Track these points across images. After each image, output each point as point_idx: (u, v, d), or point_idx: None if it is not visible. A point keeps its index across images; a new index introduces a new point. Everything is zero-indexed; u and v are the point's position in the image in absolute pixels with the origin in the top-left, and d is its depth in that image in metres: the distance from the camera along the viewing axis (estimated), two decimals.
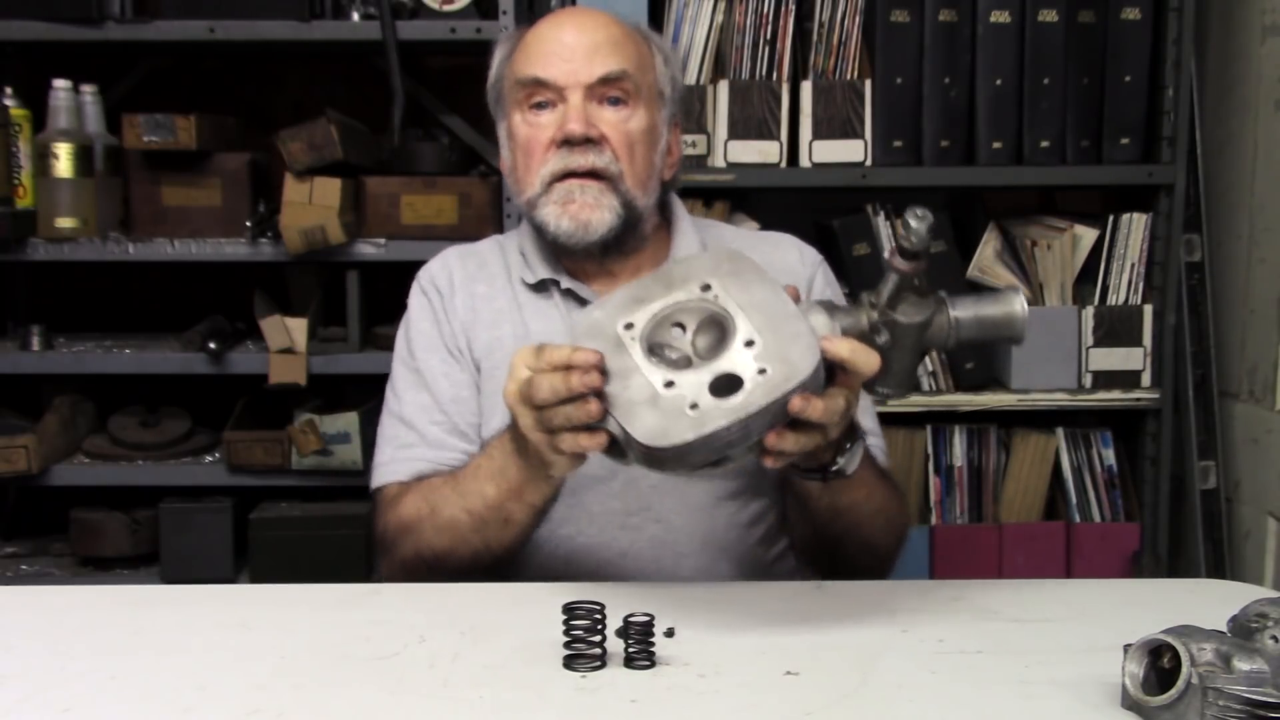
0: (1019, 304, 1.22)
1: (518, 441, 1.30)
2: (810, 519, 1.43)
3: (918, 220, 1.16)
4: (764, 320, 1.17)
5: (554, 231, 1.52)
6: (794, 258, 1.62)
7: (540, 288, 1.58)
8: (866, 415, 1.55)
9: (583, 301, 1.56)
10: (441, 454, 1.52)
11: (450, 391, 1.55)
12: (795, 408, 1.13)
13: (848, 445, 1.30)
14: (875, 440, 1.56)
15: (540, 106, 1.53)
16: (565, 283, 1.56)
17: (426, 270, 1.65)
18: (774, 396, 1.12)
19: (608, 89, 1.51)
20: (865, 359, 1.18)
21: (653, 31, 1.63)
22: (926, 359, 2.47)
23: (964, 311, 1.23)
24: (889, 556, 1.50)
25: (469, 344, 1.57)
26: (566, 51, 1.51)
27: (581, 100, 1.50)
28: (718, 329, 1.18)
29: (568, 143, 1.50)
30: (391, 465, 1.54)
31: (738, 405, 1.12)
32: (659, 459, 1.14)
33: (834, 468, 1.31)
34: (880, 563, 1.49)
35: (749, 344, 1.16)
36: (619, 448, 1.19)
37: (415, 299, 1.63)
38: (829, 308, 1.22)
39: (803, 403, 1.13)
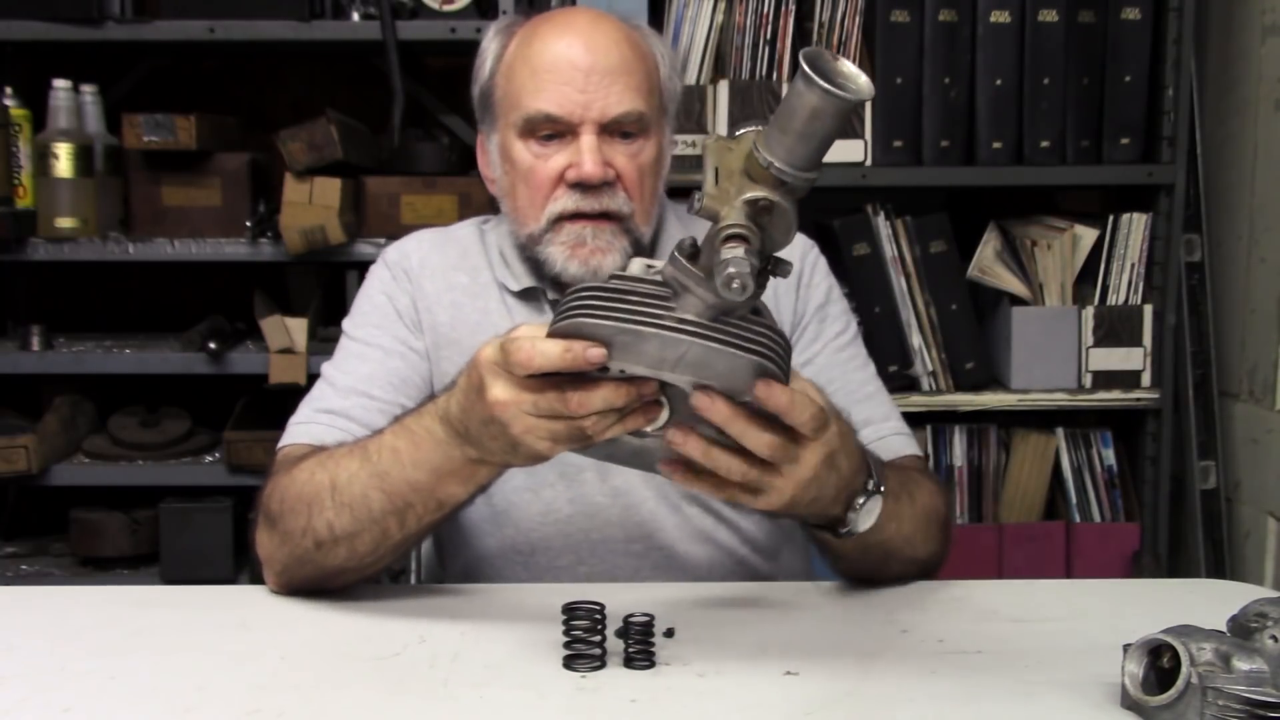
0: (800, 79, 0.95)
1: (464, 425, 1.13)
2: (839, 559, 1.32)
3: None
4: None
5: (558, 272, 1.43)
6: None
7: (527, 295, 1.51)
8: (877, 403, 1.49)
9: None
10: (365, 434, 1.34)
11: (391, 375, 1.45)
12: (761, 394, 1.02)
13: (859, 502, 1.20)
14: (890, 426, 1.47)
15: (547, 137, 1.43)
16: (552, 294, 1.49)
17: (397, 247, 1.56)
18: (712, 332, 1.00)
19: (621, 125, 1.43)
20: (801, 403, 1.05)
21: (650, 31, 1.55)
22: (918, 338, 2.47)
23: (773, 141, 0.98)
24: (936, 559, 1.38)
25: (434, 328, 1.49)
26: (580, 79, 1.40)
27: (595, 139, 1.41)
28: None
29: (580, 184, 1.41)
30: (308, 426, 1.41)
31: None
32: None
33: (844, 529, 1.21)
34: (928, 569, 1.38)
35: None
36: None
37: (379, 271, 1.54)
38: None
39: (766, 388, 1.02)
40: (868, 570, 1.33)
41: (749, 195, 0.98)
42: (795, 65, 0.97)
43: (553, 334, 1.03)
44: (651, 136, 1.46)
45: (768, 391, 1.02)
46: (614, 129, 1.43)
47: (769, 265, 1.04)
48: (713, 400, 1.03)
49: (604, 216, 1.42)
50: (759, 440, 1.05)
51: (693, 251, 1.01)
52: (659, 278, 1.03)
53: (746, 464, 1.07)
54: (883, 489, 1.22)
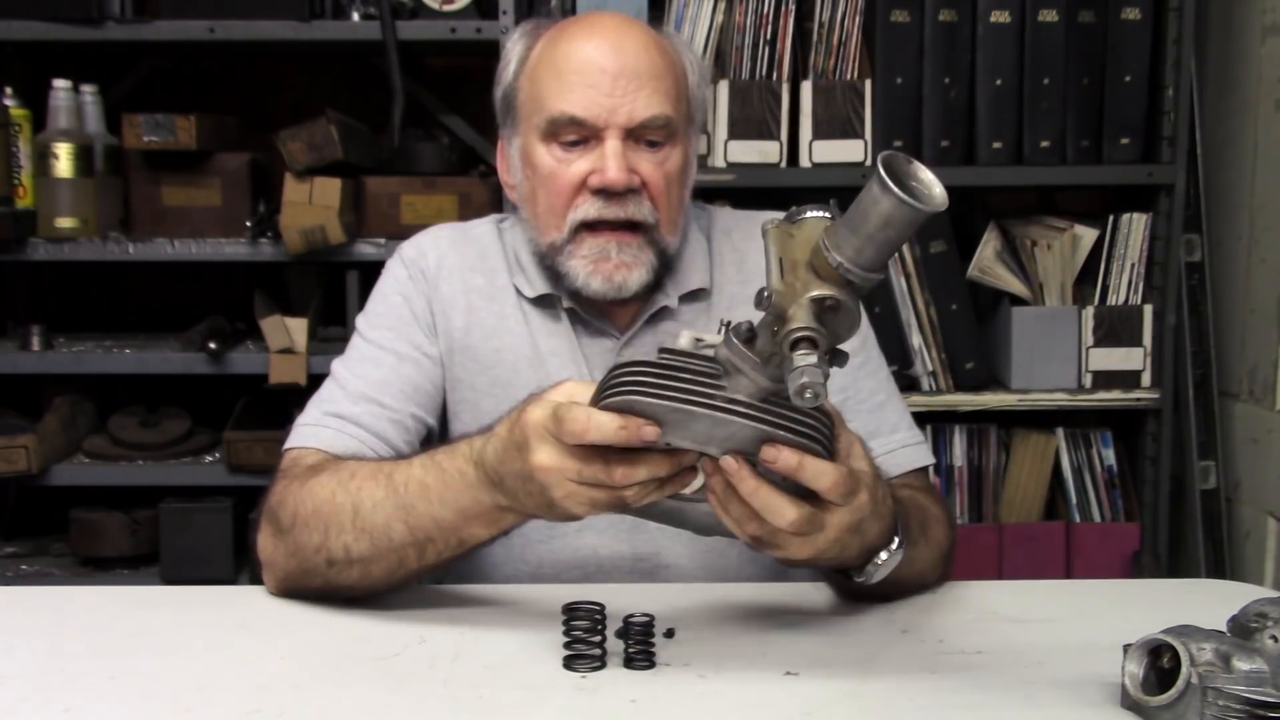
0: (875, 183, 0.95)
1: (499, 475, 1.13)
2: (849, 592, 1.30)
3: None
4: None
5: (579, 287, 1.41)
6: None
7: (543, 302, 1.48)
8: (887, 412, 1.47)
9: (588, 324, 1.48)
10: (375, 443, 1.39)
11: (404, 383, 1.44)
12: (768, 457, 1.03)
13: (880, 558, 1.17)
14: (899, 439, 1.46)
15: (571, 143, 1.40)
16: (568, 303, 1.47)
17: (415, 244, 1.53)
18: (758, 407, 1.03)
19: (648, 131, 1.39)
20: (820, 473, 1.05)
21: (680, 37, 1.51)
22: (924, 354, 2.47)
23: (842, 240, 0.97)
24: (939, 583, 1.37)
25: (448, 334, 1.47)
26: (606, 84, 1.37)
27: (620, 144, 1.38)
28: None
29: (604, 191, 1.38)
30: (316, 429, 1.40)
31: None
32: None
33: (859, 579, 1.19)
34: (928, 589, 1.36)
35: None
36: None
37: (395, 269, 1.51)
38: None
39: (774, 452, 1.03)
40: (872, 598, 1.31)
41: (816, 293, 0.97)
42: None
43: (605, 408, 1.03)
44: (678, 144, 1.42)
45: (814, 473, 1.03)
46: (640, 136, 1.40)
47: (830, 357, 1.03)
48: (740, 468, 1.04)
49: (628, 226, 1.39)
50: (782, 518, 1.05)
51: (749, 336, 1.02)
52: (708, 352, 1.04)
53: (764, 529, 1.07)
54: (904, 544, 1.19)
